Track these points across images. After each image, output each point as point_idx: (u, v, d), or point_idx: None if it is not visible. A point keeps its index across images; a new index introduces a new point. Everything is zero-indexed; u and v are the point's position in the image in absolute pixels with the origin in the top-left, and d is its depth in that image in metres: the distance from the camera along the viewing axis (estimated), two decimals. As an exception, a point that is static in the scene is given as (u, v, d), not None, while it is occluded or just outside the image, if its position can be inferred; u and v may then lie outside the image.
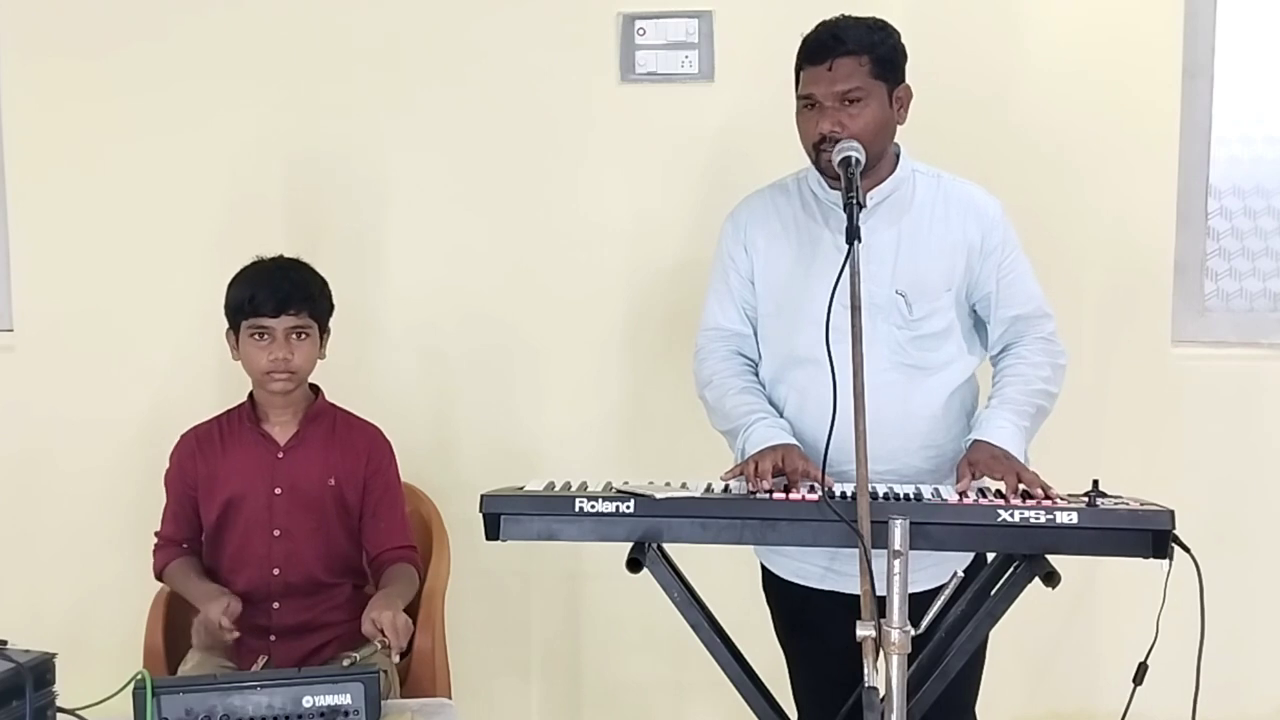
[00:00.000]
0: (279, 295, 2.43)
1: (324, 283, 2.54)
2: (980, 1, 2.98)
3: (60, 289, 3.11)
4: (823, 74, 2.13)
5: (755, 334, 2.34)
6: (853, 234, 1.93)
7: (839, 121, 2.12)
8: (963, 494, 2.01)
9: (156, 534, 2.56)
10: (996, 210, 2.27)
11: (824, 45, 2.14)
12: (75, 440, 3.13)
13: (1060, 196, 2.97)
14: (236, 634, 2.32)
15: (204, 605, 2.33)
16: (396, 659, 2.27)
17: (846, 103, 2.13)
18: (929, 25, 2.85)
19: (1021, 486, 2.02)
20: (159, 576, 2.55)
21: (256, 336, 2.44)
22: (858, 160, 2.07)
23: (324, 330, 2.53)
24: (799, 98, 2.19)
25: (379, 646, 2.23)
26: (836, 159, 2.09)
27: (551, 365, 3.09)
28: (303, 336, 2.46)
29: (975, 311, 2.30)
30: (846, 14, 2.20)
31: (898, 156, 2.24)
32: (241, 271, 2.51)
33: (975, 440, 2.14)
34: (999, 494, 2.02)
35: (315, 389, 2.58)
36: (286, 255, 2.55)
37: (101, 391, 3.11)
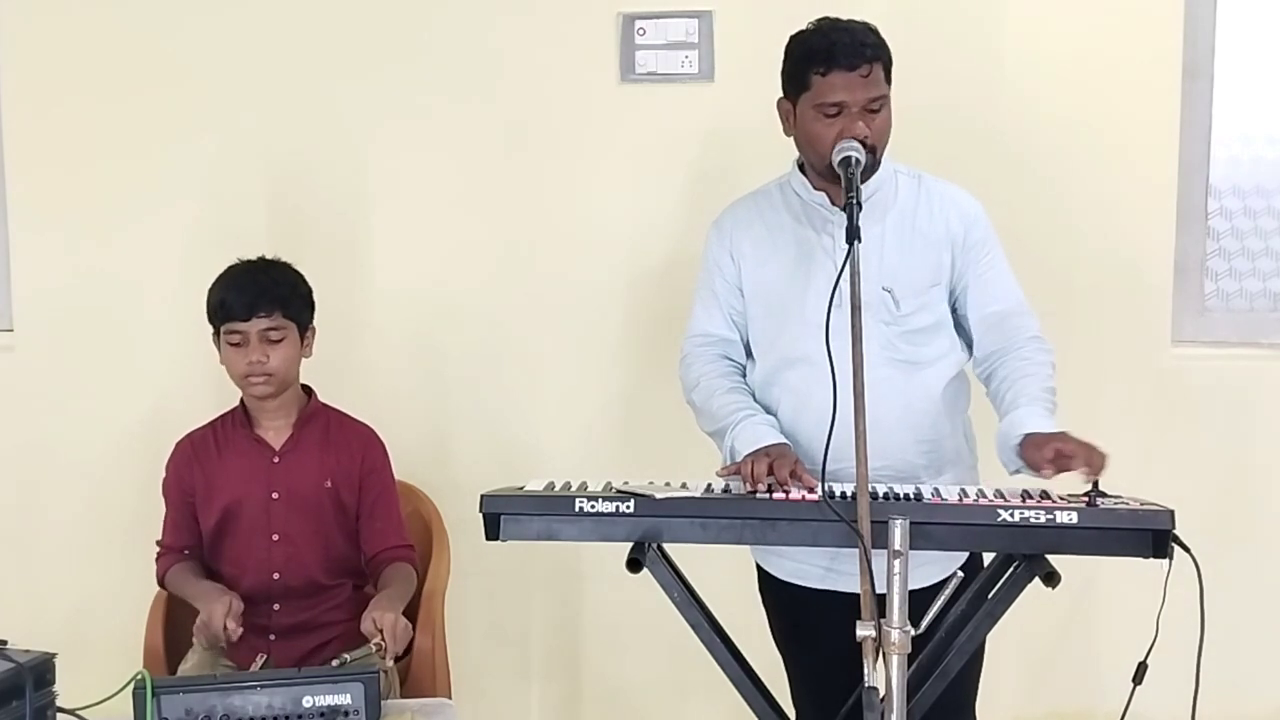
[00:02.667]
0: (247, 298, 2.42)
1: (298, 281, 2.51)
2: (979, 1, 2.98)
3: (60, 289, 3.11)
4: (857, 81, 2.11)
5: (742, 340, 2.34)
6: (853, 233, 1.93)
7: (868, 127, 2.11)
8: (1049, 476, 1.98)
9: (158, 543, 2.55)
10: (978, 207, 2.28)
11: (854, 51, 2.11)
12: (75, 440, 3.13)
13: (1060, 196, 2.97)
14: (240, 631, 2.30)
15: (205, 605, 2.32)
16: (390, 663, 2.27)
17: (871, 108, 2.13)
18: (925, 23, 2.86)
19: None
20: (161, 584, 2.55)
21: (232, 341, 2.43)
22: (857, 160, 2.07)
23: (304, 329, 2.51)
24: (823, 104, 2.12)
25: (374, 649, 2.22)
26: (837, 159, 2.08)
27: (551, 364, 3.09)
28: (278, 338, 2.44)
29: (954, 309, 2.28)
30: (838, 19, 2.17)
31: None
32: (218, 277, 2.49)
33: (1032, 434, 2.05)
34: (999, 493, 2.02)
35: (308, 390, 2.58)
36: (269, 256, 2.53)
37: (101, 391, 3.11)
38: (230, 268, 2.50)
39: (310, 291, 2.53)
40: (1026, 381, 2.17)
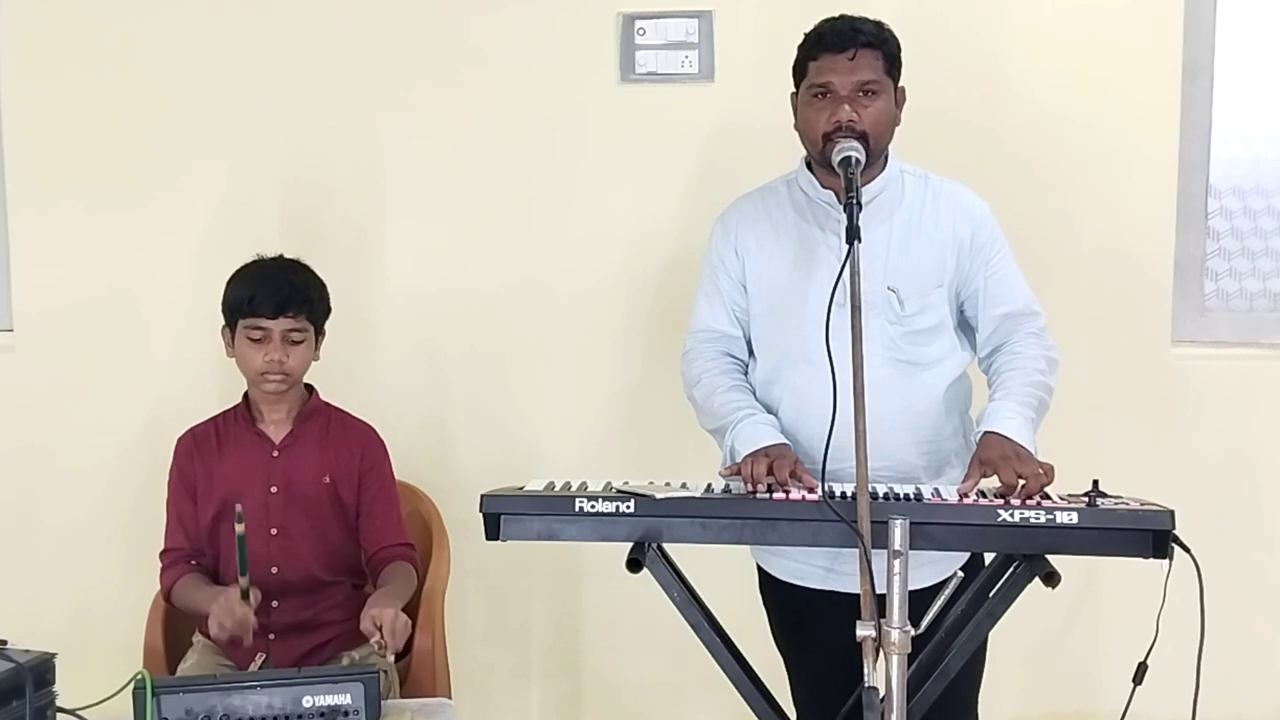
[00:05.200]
0: (279, 297, 2.43)
1: (323, 286, 2.54)
2: (980, 3, 2.98)
3: (60, 289, 3.11)
4: (843, 63, 2.14)
5: (745, 336, 2.34)
6: (853, 233, 1.93)
7: (856, 112, 2.12)
8: (964, 494, 2.01)
9: (162, 554, 2.52)
10: (984, 209, 2.29)
11: (845, 35, 2.14)
12: (75, 440, 3.13)
13: (1060, 197, 2.96)
14: (254, 621, 2.26)
15: (220, 598, 2.27)
16: (391, 658, 2.27)
17: (863, 94, 2.14)
18: (927, 24, 2.86)
19: (1022, 483, 2.01)
20: (167, 598, 2.51)
21: (253, 337, 2.44)
22: (858, 160, 2.07)
23: (320, 333, 2.54)
24: (812, 86, 2.17)
25: (376, 648, 2.22)
26: (837, 159, 2.08)
27: (551, 364, 3.09)
28: (299, 339, 2.46)
29: (963, 311, 2.29)
30: (845, 14, 2.21)
31: (886, 157, 2.25)
32: (241, 270, 2.50)
33: (986, 433, 2.11)
34: (1000, 495, 2.02)
35: (309, 388, 2.58)
36: (286, 255, 2.55)
37: (101, 391, 3.11)
38: (255, 263, 2.51)
39: (329, 296, 2.55)
40: (1009, 376, 2.20)
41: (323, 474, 2.52)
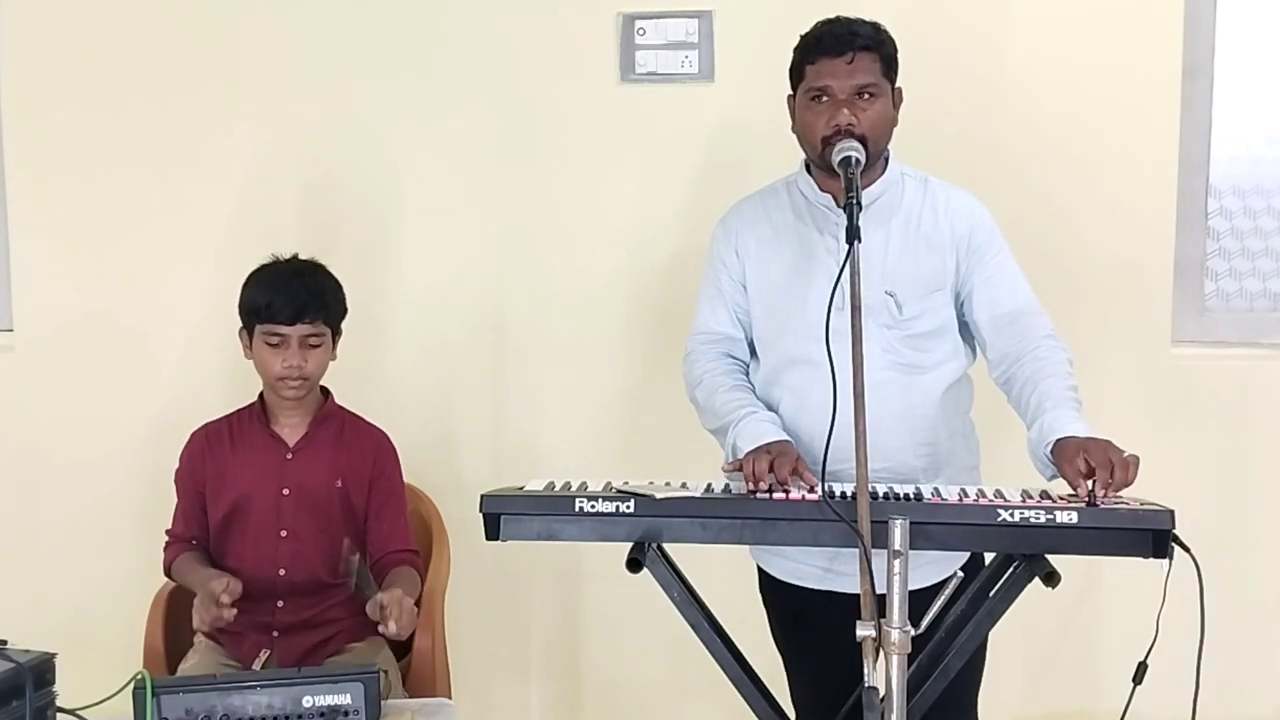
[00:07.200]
0: (296, 304, 2.42)
1: (339, 287, 2.53)
2: (980, 3, 2.98)
3: (60, 289, 3.11)
4: (841, 67, 2.14)
5: (747, 338, 2.34)
6: (853, 234, 1.93)
7: (855, 115, 2.12)
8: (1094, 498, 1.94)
9: (167, 532, 2.55)
10: (983, 210, 2.28)
11: (842, 39, 2.15)
12: (75, 440, 3.13)
13: (1060, 197, 2.97)
14: (234, 611, 2.26)
15: (204, 586, 2.29)
16: (393, 629, 2.23)
17: (860, 97, 2.14)
18: (926, 24, 2.86)
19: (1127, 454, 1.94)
20: (167, 572, 2.55)
21: (271, 342, 2.44)
22: (858, 160, 2.07)
23: (336, 333, 2.53)
24: (810, 90, 2.17)
25: (380, 630, 2.20)
26: (837, 159, 2.09)
27: (552, 365, 3.09)
28: (317, 344, 2.46)
29: (962, 312, 2.27)
30: (841, 15, 2.20)
31: (886, 159, 2.25)
32: (258, 273, 2.49)
33: (1063, 440, 2.00)
34: (999, 493, 2.02)
35: (325, 391, 2.59)
36: (301, 256, 2.54)
37: (102, 392, 3.12)
38: (272, 266, 2.50)
39: (345, 297, 2.54)
40: (1049, 383, 2.12)
41: (335, 478, 2.52)
